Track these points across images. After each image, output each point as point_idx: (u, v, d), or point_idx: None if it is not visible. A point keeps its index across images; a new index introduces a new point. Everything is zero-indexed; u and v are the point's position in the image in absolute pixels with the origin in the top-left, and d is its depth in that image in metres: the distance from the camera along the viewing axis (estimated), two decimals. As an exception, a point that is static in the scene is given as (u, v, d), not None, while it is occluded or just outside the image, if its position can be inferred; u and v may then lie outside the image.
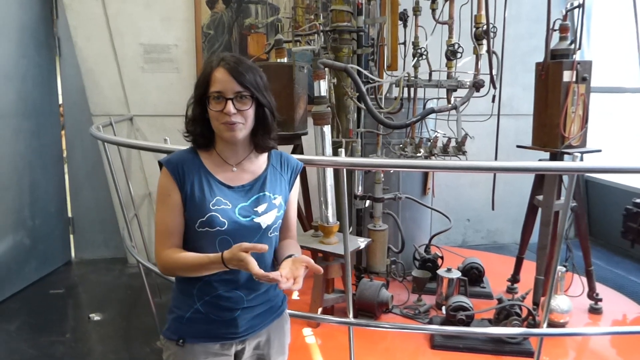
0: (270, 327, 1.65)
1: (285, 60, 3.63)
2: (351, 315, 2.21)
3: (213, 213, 1.47)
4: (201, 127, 1.52)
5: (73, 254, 5.29)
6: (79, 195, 5.22)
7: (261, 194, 1.56)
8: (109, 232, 5.23)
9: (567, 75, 2.97)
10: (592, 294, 3.35)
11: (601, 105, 4.78)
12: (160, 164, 1.54)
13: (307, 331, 3.13)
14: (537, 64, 3.14)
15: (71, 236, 5.27)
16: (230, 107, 1.43)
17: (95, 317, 3.91)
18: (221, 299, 1.53)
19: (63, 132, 5.12)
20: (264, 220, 1.53)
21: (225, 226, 1.48)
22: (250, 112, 1.48)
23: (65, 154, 5.17)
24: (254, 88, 1.46)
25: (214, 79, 1.45)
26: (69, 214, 5.22)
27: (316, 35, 3.35)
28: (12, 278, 4.35)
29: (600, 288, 3.43)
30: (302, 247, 3.06)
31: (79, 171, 5.18)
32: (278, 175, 1.62)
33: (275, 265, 1.60)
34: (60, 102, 5.03)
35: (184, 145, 1.68)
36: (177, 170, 1.50)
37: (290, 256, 1.47)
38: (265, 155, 1.63)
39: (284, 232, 1.68)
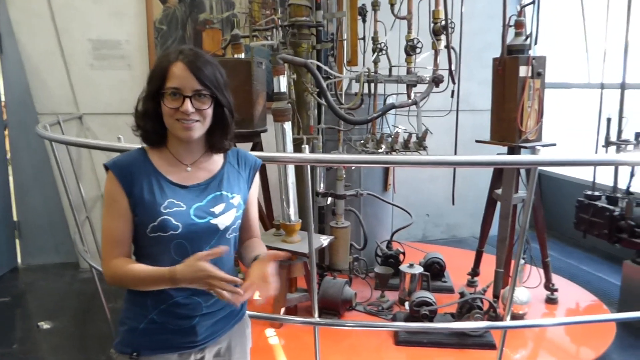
0: (231, 333, 1.57)
1: (242, 56, 3.55)
2: (316, 314, 2.17)
3: (165, 217, 1.37)
4: (153, 123, 1.42)
5: (20, 260, 5.02)
6: (26, 198, 4.95)
7: (218, 193, 1.47)
8: (59, 236, 4.98)
9: (523, 71, 3.02)
10: (548, 285, 3.44)
11: (551, 100, 4.93)
12: (107, 167, 1.43)
13: (270, 332, 3.07)
14: (494, 59, 3.19)
15: (17, 241, 5.00)
16: (188, 105, 1.34)
17: (45, 325, 3.70)
18: (178, 306, 1.43)
19: (6, 132, 4.84)
20: (222, 222, 1.45)
21: (180, 229, 1.38)
22: (209, 112, 1.40)
23: (9, 155, 4.89)
24: (214, 86, 1.38)
25: (172, 73, 1.35)
26: (15, 218, 4.95)
27: (274, 30, 3.28)
28: (-48, 288, 4.08)
29: (554, 278, 3.53)
30: (268, 247, 3.02)
31: (24, 173, 4.90)
32: (236, 173, 1.55)
33: (237, 266, 1.52)
34: (3, 100, 4.75)
35: (138, 144, 1.57)
36: (123, 174, 1.40)
37: (257, 257, 1.42)
38: (220, 154, 1.55)
39: (246, 232, 1.61)
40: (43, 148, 4.59)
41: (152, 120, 1.42)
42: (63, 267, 4.91)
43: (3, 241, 4.77)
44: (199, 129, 1.40)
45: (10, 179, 4.91)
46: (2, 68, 4.71)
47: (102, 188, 4.74)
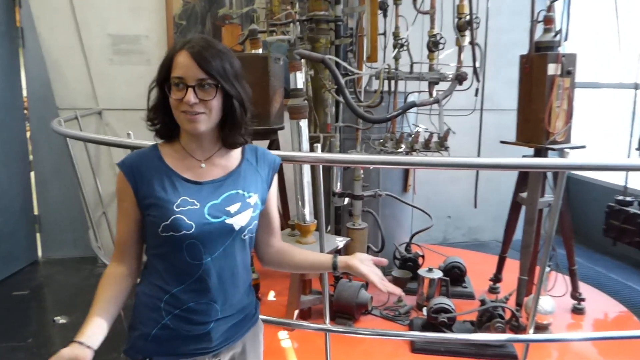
0: (245, 337, 1.51)
1: (260, 51, 3.47)
2: (327, 321, 2.08)
3: (178, 215, 1.31)
4: (163, 116, 1.37)
5: (40, 253, 5.06)
6: (46, 192, 4.98)
7: (234, 191, 1.40)
8: (78, 230, 4.99)
9: (551, 69, 2.87)
10: (575, 294, 3.28)
11: (581, 100, 4.75)
12: (118, 166, 1.39)
13: (282, 334, 2.99)
14: (521, 57, 3.05)
15: (38, 235, 5.03)
16: (190, 95, 1.27)
17: (61, 320, 3.70)
18: (192, 312, 1.36)
19: (28, 127, 4.87)
20: (237, 222, 1.37)
21: (193, 229, 1.32)
22: (215, 103, 1.31)
23: (30, 150, 4.92)
24: (220, 76, 1.30)
25: (176, 62, 1.29)
26: (35, 212, 4.98)
27: (292, 24, 3.19)
28: (-28, 280, 4.12)
29: (581, 287, 3.36)
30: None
31: (45, 167, 4.93)
32: (254, 171, 1.47)
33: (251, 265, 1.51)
34: (25, 95, 4.78)
35: (148, 140, 1.55)
36: (132, 173, 1.36)
37: (335, 257, 1.48)
38: (238, 150, 1.47)
39: (267, 233, 1.55)
40: (63, 143, 4.60)
41: (161, 113, 1.36)
42: (81, 262, 4.93)
43: (23, 235, 4.81)
44: (204, 122, 1.32)
45: (32, 173, 4.95)
46: (24, 62, 4.74)
47: (120, 184, 4.77)
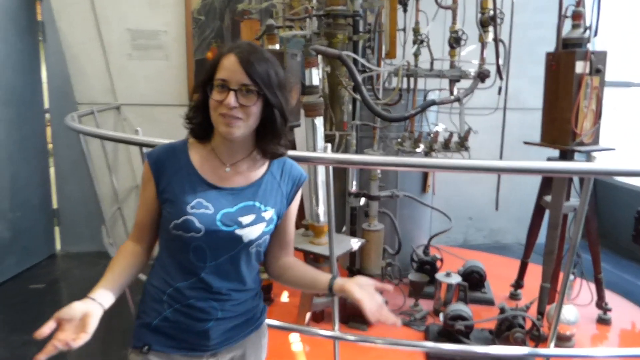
0: (246, 341, 1.49)
1: (277, 47, 3.39)
2: (337, 327, 1.99)
3: (190, 217, 1.32)
4: (202, 116, 1.36)
5: (59, 247, 5.10)
6: (65, 186, 5.01)
7: (250, 203, 1.38)
8: (95, 225, 4.99)
9: (579, 66, 2.73)
10: (600, 303, 3.13)
11: (611, 100, 4.57)
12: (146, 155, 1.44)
13: (294, 337, 2.93)
14: (548, 54, 2.91)
15: (56, 228, 5.07)
16: (231, 98, 1.26)
17: (74, 315, 3.70)
18: (193, 308, 1.37)
19: (48, 121, 4.90)
20: (247, 234, 1.36)
21: (202, 233, 1.32)
22: (254, 110, 1.30)
23: (50, 144, 4.96)
24: (264, 83, 1.29)
25: (222, 65, 1.29)
26: (54, 206, 5.01)
27: (308, 19, 3.11)
28: (-10, 272, 4.16)
29: (608, 295, 3.21)
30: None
31: (64, 161, 4.95)
32: (276, 185, 1.44)
33: (277, 277, 1.54)
34: (45, 89, 4.81)
35: (164, 137, 1.60)
36: (156, 165, 1.38)
37: (334, 278, 1.40)
38: (265, 161, 1.44)
39: (278, 247, 1.51)
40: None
41: (200, 113, 1.36)
42: (98, 256, 4.93)
43: (42, 228, 4.85)
44: (241, 128, 1.30)
45: (51, 168, 4.99)
46: (44, 57, 4.76)
47: (138, 180, 4.80)
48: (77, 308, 1.23)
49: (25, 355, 3.17)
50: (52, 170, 5.01)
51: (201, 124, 1.37)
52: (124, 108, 4.68)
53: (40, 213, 4.81)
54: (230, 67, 1.27)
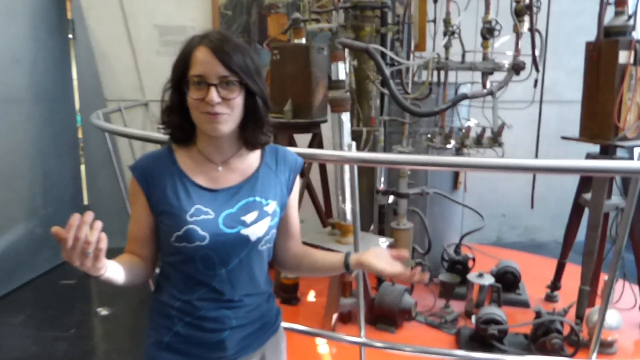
0: (264, 347, 1.41)
1: (304, 41, 3.32)
2: (363, 333, 1.91)
3: (191, 226, 1.22)
4: (179, 118, 1.26)
5: (89, 243, 5.16)
6: (95, 182, 5.07)
7: (250, 199, 1.29)
8: (125, 221, 5.02)
9: (623, 56, 2.57)
10: (645, 307, 2.96)
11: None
12: (130, 169, 1.31)
13: (320, 339, 2.86)
14: (588, 44, 2.75)
15: (87, 225, 5.13)
16: (213, 94, 1.16)
17: (103, 311, 3.74)
18: (205, 319, 1.29)
19: (79, 118, 4.96)
20: (254, 232, 1.27)
21: (207, 240, 1.23)
22: (238, 101, 1.21)
23: (81, 140, 5.01)
24: (243, 72, 1.19)
25: (194, 59, 1.19)
26: (85, 202, 5.08)
27: (335, 12, 3.02)
28: (23, 268, 4.22)
29: (653, 298, 3.04)
30: (317, 246, 2.79)
31: (95, 158, 5.00)
32: (272, 175, 1.35)
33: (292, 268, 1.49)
34: (75, 86, 4.86)
35: None
36: (144, 177, 1.27)
37: (348, 255, 1.34)
38: (257, 152, 1.36)
39: (286, 238, 1.43)
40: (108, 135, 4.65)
41: (178, 115, 1.25)
42: (128, 252, 4.98)
43: (73, 224, 4.90)
44: (228, 122, 1.21)
45: (82, 164, 5.05)
46: (74, 54, 4.80)
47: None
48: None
49: (55, 352, 3.21)
50: (82, 167, 5.07)
51: (180, 127, 1.27)
52: (152, 105, 4.69)
53: (72, 209, 4.83)
54: (204, 60, 1.18)
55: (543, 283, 3.36)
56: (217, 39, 1.19)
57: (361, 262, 1.30)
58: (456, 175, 3.65)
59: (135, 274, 1.29)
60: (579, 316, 2.73)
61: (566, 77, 4.53)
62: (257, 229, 1.28)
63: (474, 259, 3.38)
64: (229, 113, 1.20)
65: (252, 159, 1.35)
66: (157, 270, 1.37)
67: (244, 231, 1.26)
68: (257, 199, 1.30)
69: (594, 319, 2.61)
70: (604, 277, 2.80)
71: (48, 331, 3.45)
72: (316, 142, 3.45)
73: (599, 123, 2.71)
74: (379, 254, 1.30)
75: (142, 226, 1.29)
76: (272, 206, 1.31)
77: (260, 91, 1.24)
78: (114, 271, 1.19)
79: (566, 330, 2.54)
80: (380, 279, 3.16)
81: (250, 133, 1.28)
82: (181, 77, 1.21)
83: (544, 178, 4.00)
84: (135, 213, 1.30)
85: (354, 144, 1.78)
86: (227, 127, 1.21)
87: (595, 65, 2.70)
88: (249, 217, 1.27)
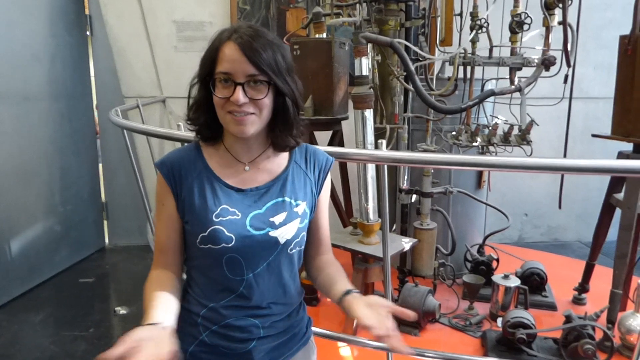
0: (294, 359, 1.34)
1: (324, 35, 3.25)
2: (391, 338, 1.84)
3: (217, 226, 1.17)
4: (206, 116, 1.21)
5: (107, 240, 5.16)
6: (113, 179, 5.06)
7: (280, 199, 1.24)
8: (143, 218, 5.04)
9: (660, 51, 2.46)
10: (679, 311, 2.85)
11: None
12: (156, 166, 1.25)
13: (342, 342, 2.80)
14: (622, 37, 2.64)
15: (105, 222, 5.13)
16: (239, 94, 1.10)
17: (121, 310, 3.72)
18: (231, 328, 1.23)
19: (97, 115, 4.95)
20: (283, 234, 1.21)
21: (233, 242, 1.17)
22: (266, 102, 1.15)
23: (98, 138, 5.01)
24: (273, 71, 1.13)
25: (222, 55, 1.12)
26: (103, 199, 5.07)
27: (358, 5, 2.94)
28: (43, 265, 4.23)
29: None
30: (338, 246, 2.73)
31: (112, 155, 5.00)
32: (302, 175, 1.30)
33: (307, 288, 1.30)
34: (93, 83, 4.84)
35: None
36: (171, 174, 1.22)
37: (348, 292, 1.19)
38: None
39: (315, 245, 1.36)
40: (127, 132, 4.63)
41: (204, 112, 1.20)
42: (146, 250, 4.98)
43: (91, 222, 4.91)
44: (254, 124, 1.16)
45: (100, 161, 5.04)
46: (92, 51, 4.79)
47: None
48: (142, 335, 0.99)
49: (76, 351, 3.19)
50: (100, 164, 5.07)
51: (207, 124, 1.22)
52: (169, 101, 4.65)
53: (90, 207, 4.87)
54: (232, 58, 1.11)
55: (569, 284, 3.26)
56: (247, 34, 1.12)
57: (349, 304, 1.15)
58: (480, 173, 3.56)
59: (176, 293, 1.22)
60: (611, 321, 2.63)
61: (593, 72, 4.40)
62: (286, 230, 1.22)
63: (497, 260, 3.29)
64: (257, 114, 1.15)
65: (281, 158, 1.29)
66: (184, 276, 1.31)
67: (273, 233, 1.20)
68: (287, 199, 1.24)
69: (627, 324, 2.52)
70: (636, 280, 2.70)
71: (67, 330, 3.44)
72: (337, 140, 3.38)
73: (633, 121, 2.60)
74: (373, 303, 1.11)
75: (172, 229, 1.24)
76: (301, 207, 1.26)
77: (290, 91, 1.18)
78: (173, 318, 1.13)
79: (598, 336, 2.45)
80: (402, 280, 3.09)
81: (278, 135, 1.23)
82: (208, 73, 1.15)
83: (569, 176, 3.89)
84: (164, 215, 1.23)
85: (384, 142, 1.71)
86: (253, 128, 1.16)
87: (630, 60, 2.59)
88: (277, 219, 1.21)
